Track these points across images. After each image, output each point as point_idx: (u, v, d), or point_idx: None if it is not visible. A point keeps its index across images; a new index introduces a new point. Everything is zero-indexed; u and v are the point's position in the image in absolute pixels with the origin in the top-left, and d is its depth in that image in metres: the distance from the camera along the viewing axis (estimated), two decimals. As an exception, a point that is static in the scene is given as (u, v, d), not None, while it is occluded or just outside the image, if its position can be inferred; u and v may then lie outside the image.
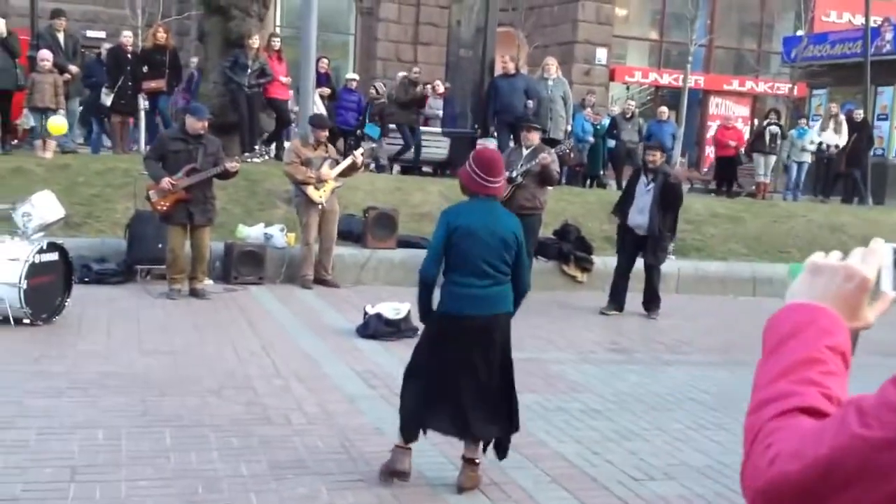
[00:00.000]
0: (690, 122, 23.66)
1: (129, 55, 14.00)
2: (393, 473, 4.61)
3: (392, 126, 15.00)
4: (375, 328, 7.89)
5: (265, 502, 4.31)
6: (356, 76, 17.19)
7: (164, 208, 8.94)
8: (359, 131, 15.18)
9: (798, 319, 1.24)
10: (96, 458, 4.69)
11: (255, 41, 13.26)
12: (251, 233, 10.48)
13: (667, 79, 25.98)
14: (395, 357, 7.14)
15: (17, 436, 4.93)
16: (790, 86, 22.31)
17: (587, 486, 4.79)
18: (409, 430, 4.66)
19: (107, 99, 13.94)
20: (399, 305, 7.96)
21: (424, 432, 4.74)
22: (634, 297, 9.95)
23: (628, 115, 17.13)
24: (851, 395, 1.13)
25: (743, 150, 17.82)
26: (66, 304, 7.78)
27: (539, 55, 20.31)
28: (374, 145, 13.35)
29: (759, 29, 27.86)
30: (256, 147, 11.30)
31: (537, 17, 24.37)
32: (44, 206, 7.93)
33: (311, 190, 9.94)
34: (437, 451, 5.04)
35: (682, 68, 20.87)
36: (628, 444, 5.53)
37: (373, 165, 14.08)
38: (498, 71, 14.87)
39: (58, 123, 12.08)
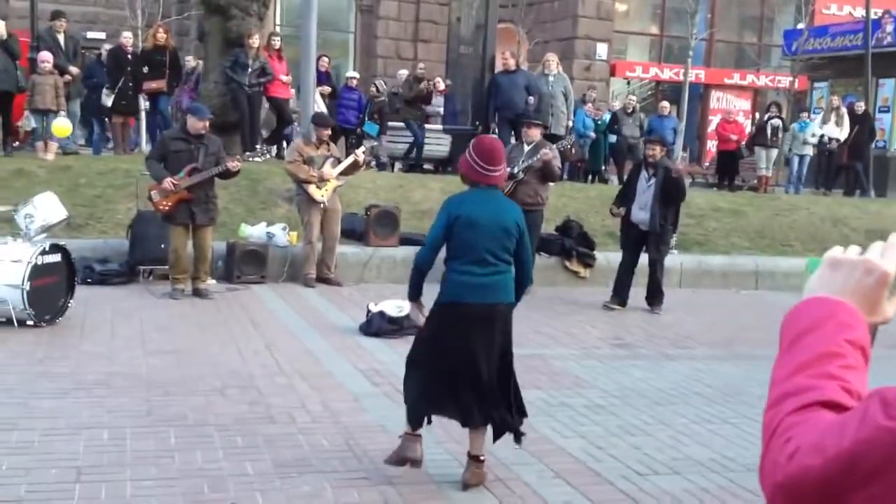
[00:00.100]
0: (691, 117, 23.64)
1: (129, 56, 14.00)
2: (404, 461, 4.61)
3: (391, 124, 15.01)
4: (378, 326, 7.89)
5: (270, 501, 4.31)
6: (356, 74, 17.19)
7: (167, 208, 8.94)
8: (358, 129, 15.19)
9: (817, 314, 1.23)
10: (101, 458, 4.70)
11: (256, 40, 13.26)
12: (253, 232, 10.48)
13: (667, 73, 25.97)
14: (399, 354, 7.12)
15: (22, 437, 4.94)
16: (791, 79, 22.28)
17: (592, 481, 4.80)
18: (415, 417, 4.67)
19: (107, 100, 13.95)
20: (402, 303, 7.95)
21: (429, 419, 4.73)
22: (637, 292, 9.95)
23: (629, 111, 17.12)
24: (872, 388, 1.12)
25: (744, 143, 17.80)
26: (70, 305, 7.79)
27: (539, 51, 20.29)
28: (374, 143, 13.36)
29: (759, 22, 27.84)
30: (258, 146, 11.31)
31: (537, 13, 24.36)
32: (46, 208, 7.95)
33: (312, 189, 9.94)
34: (441, 449, 5.05)
35: (683, 63, 20.85)
36: (632, 439, 5.53)
37: (373, 163, 14.09)
38: (498, 67, 14.86)
39: (62, 126, 12.09)
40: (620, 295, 9.92)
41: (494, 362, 4.64)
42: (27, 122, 13.58)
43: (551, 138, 11.71)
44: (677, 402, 6.45)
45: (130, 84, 13.76)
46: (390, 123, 15.08)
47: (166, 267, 9.32)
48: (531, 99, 13.31)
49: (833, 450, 1.05)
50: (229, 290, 9.51)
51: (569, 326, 8.90)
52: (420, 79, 15.24)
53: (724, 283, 11.89)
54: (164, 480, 4.46)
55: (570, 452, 5.22)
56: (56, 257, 7.69)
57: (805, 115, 18.98)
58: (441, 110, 16.05)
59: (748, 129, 19.91)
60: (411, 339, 7.34)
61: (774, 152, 17.71)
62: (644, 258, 9.93)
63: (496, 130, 14.15)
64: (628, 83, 26.52)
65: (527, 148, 9.96)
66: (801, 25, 23.09)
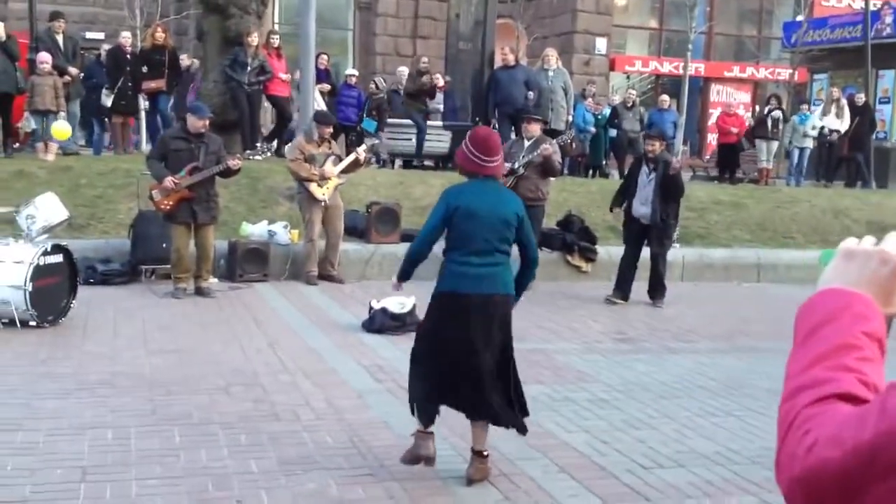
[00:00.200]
0: (692, 110, 23.61)
1: (128, 56, 14.00)
2: (418, 459, 4.61)
3: (390, 121, 14.99)
4: (381, 323, 7.90)
5: (275, 498, 4.31)
6: (356, 72, 17.17)
7: (168, 207, 8.94)
8: (358, 127, 15.18)
9: (832, 305, 1.21)
10: (106, 457, 4.70)
11: (254, 39, 13.25)
12: (255, 230, 10.48)
13: (667, 67, 25.94)
14: (402, 351, 7.13)
15: (27, 437, 4.94)
16: (791, 71, 22.25)
17: (596, 476, 4.80)
18: (424, 415, 4.66)
19: (107, 100, 13.95)
20: (404, 299, 7.96)
21: (438, 412, 4.71)
22: (640, 286, 9.95)
23: (629, 105, 17.12)
24: (890, 380, 1.10)
25: (744, 136, 17.79)
26: (72, 305, 7.80)
27: (539, 46, 20.29)
28: (376, 141, 13.36)
29: (758, 15, 27.80)
30: (258, 144, 11.30)
31: (536, 8, 24.33)
32: (47, 209, 7.95)
33: (314, 187, 9.94)
34: (446, 444, 5.05)
35: (683, 56, 20.79)
36: (636, 433, 5.53)
37: (373, 161, 14.08)
38: (498, 63, 14.85)
39: (61, 128, 12.09)
40: (623, 289, 9.92)
41: (494, 355, 4.63)
42: (27, 123, 13.57)
43: (551, 133, 11.70)
44: (681, 395, 6.45)
45: (130, 84, 13.76)
46: (389, 120, 15.07)
47: (168, 266, 9.32)
48: (531, 94, 13.29)
49: (852, 442, 1.04)
50: (231, 289, 9.51)
51: (571, 321, 8.90)
52: (423, 72, 15.24)
53: (725, 276, 11.89)
54: (169, 479, 4.46)
55: (574, 447, 5.22)
56: (58, 258, 7.69)
57: (805, 107, 18.95)
58: (441, 107, 16.03)
59: (748, 121, 19.89)
60: (414, 335, 7.40)
61: (775, 144, 17.70)
62: (646, 252, 9.92)
63: (496, 126, 14.14)
64: (628, 77, 26.50)
65: (527, 143, 9.96)
66: (800, 17, 23.07)
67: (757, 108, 24.42)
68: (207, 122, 9.18)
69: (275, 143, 13.69)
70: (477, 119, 15.06)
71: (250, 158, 10.13)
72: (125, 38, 14.38)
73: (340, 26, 25.50)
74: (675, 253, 11.13)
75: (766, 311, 9.91)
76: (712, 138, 23.41)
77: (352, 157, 10.26)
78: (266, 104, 14.46)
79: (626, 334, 8.55)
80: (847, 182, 17.84)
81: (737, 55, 27.67)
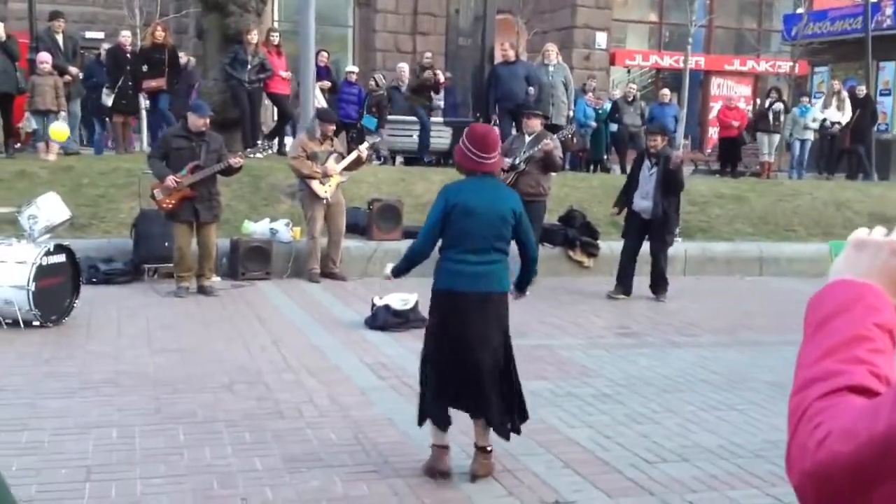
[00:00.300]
0: (692, 104, 23.60)
1: (128, 55, 13.99)
2: (436, 473, 4.57)
3: (391, 117, 14.98)
4: (384, 319, 7.90)
5: (280, 496, 4.32)
6: (356, 68, 17.16)
7: (170, 206, 8.95)
8: (358, 124, 15.18)
9: (843, 297, 1.20)
10: (110, 457, 4.72)
11: (254, 36, 13.24)
12: (257, 228, 10.49)
13: (667, 61, 25.91)
14: (405, 348, 7.16)
15: (32, 437, 4.95)
16: (791, 64, 22.22)
17: (600, 470, 4.80)
18: (438, 417, 4.63)
19: (108, 99, 13.95)
20: (407, 296, 7.97)
21: (449, 418, 4.67)
22: (642, 281, 9.95)
23: (630, 99, 17.09)
24: None
25: (745, 130, 17.76)
26: (75, 305, 7.81)
27: (539, 41, 20.27)
28: (378, 139, 13.35)
29: (758, 8, 27.77)
30: (259, 142, 11.31)
31: (536, 3, 24.30)
32: (49, 209, 7.95)
33: (315, 184, 9.95)
34: (451, 441, 5.04)
35: (683, 50, 20.80)
36: (640, 427, 5.54)
37: (374, 158, 14.08)
38: (498, 58, 14.84)
39: (59, 129, 12.09)
40: (625, 284, 9.91)
41: (494, 356, 4.62)
42: (28, 123, 13.57)
43: (552, 128, 11.70)
44: (684, 389, 6.46)
45: (130, 83, 13.75)
46: (390, 117, 15.06)
47: (171, 265, 9.34)
48: (531, 89, 13.29)
49: (865, 435, 1.02)
50: (234, 287, 9.52)
51: (574, 316, 8.90)
52: (426, 67, 15.23)
53: (728, 270, 11.89)
54: (174, 477, 4.47)
55: (577, 442, 5.23)
56: (60, 258, 7.70)
57: (805, 99, 18.93)
58: (441, 103, 16.03)
59: (749, 115, 19.87)
60: (417, 332, 7.40)
61: (777, 138, 17.68)
62: (646, 247, 9.91)
63: (497, 122, 14.14)
64: (628, 71, 26.48)
65: (528, 139, 9.95)
66: (800, 10, 23.04)
67: (758, 101, 24.39)
68: (208, 121, 9.18)
69: (275, 141, 13.72)
70: (478, 115, 15.06)
71: (251, 156, 10.13)
72: (125, 37, 14.38)
73: (340, 23, 25.50)
74: (677, 247, 11.12)
75: (769, 305, 9.91)
76: (713, 132, 23.40)
77: (354, 154, 10.26)
78: (266, 102, 14.46)
79: (628, 329, 8.55)
80: (848, 174, 17.82)
81: (737, 48, 27.65)
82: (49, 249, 7.57)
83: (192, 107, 9.56)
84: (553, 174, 10.43)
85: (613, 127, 16.85)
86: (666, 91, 18.13)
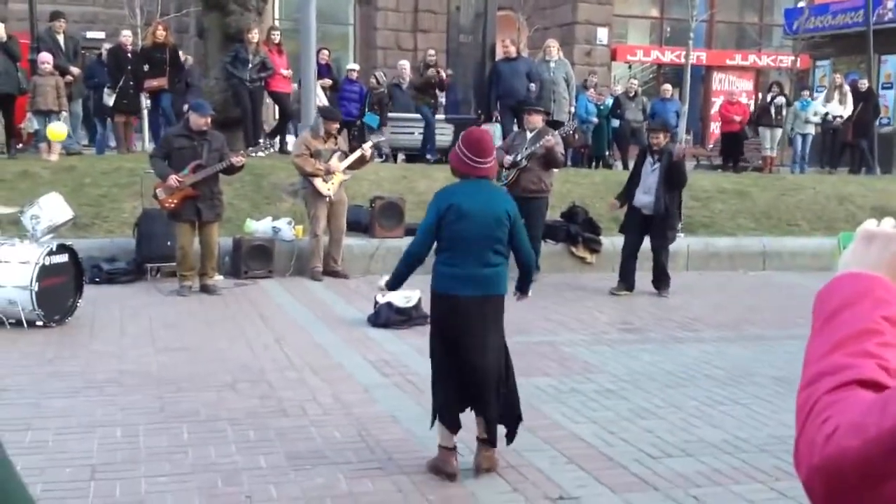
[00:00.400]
0: (694, 99, 23.57)
1: (129, 54, 13.99)
2: (440, 474, 4.56)
3: (392, 115, 14.98)
4: (387, 317, 7.90)
5: (285, 493, 4.33)
6: (357, 66, 17.15)
7: (172, 205, 8.95)
8: (358, 122, 15.17)
9: (852, 289, 1.18)
10: (115, 455, 4.72)
11: (255, 35, 13.24)
12: (259, 227, 10.49)
13: (669, 56, 25.88)
14: (408, 345, 7.17)
15: (36, 437, 4.96)
16: (793, 58, 22.19)
17: (604, 466, 4.80)
18: (448, 418, 4.60)
19: (109, 99, 13.95)
20: (409, 293, 7.96)
21: (459, 422, 4.64)
22: (644, 277, 9.94)
23: (631, 95, 17.08)
24: None
25: (747, 124, 17.74)
26: (78, 304, 7.81)
27: (540, 37, 20.24)
28: (382, 139, 13.36)
29: (759, 2, 27.73)
30: (260, 141, 11.31)
31: (536, 0, 24.28)
32: (52, 209, 7.96)
33: (318, 182, 9.95)
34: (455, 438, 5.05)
35: (684, 45, 20.76)
36: (644, 423, 5.54)
37: (376, 156, 14.08)
38: (499, 55, 14.82)
39: (57, 130, 12.09)
40: (627, 280, 9.90)
41: (493, 358, 4.62)
42: (30, 123, 13.57)
43: (554, 125, 11.69)
44: (687, 384, 6.45)
45: (131, 83, 13.76)
46: (391, 114, 15.06)
47: (173, 264, 9.34)
48: (533, 86, 13.28)
49: (874, 430, 1.01)
50: (237, 286, 9.53)
51: (577, 312, 8.90)
52: (430, 65, 15.22)
53: (731, 265, 11.88)
54: (178, 476, 4.48)
55: (582, 437, 5.22)
56: (63, 257, 7.71)
57: (806, 93, 18.89)
58: (443, 100, 16.02)
59: (751, 109, 19.84)
60: (419, 329, 7.42)
61: (779, 132, 17.65)
62: (647, 242, 9.89)
63: (499, 118, 14.13)
64: (630, 67, 26.45)
65: (529, 135, 9.95)
66: (801, 4, 23.01)
67: (759, 95, 24.36)
68: (210, 120, 9.18)
69: (277, 140, 13.72)
70: (479, 111, 15.07)
71: (253, 155, 10.13)
72: (126, 36, 14.37)
73: (341, 21, 25.49)
74: (680, 242, 11.12)
75: (772, 300, 9.90)
76: (715, 127, 23.36)
77: (357, 153, 10.26)
78: (268, 101, 14.45)
79: (631, 324, 8.55)
80: (851, 168, 17.79)
81: (738, 43, 27.60)
82: (52, 249, 7.57)
83: (193, 106, 9.56)
84: (555, 170, 10.43)
85: (615, 123, 16.84)
86: (667, 86, 18.08)
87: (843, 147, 18.09)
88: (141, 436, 5.01)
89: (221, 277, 9.66)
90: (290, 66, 14.17)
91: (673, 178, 9.57)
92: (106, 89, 14.05)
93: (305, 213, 10.40)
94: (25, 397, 5.66)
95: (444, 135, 15.39)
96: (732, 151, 17.71)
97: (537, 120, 10.07)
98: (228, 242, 10.03)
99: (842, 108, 17.54)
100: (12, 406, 5.50)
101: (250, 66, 13.12)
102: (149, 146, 14.52)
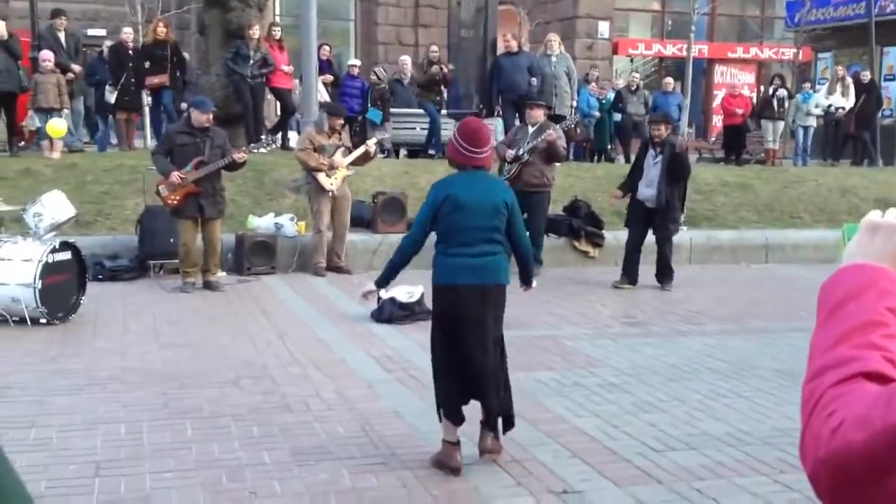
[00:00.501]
0: (696, 92, 23.54)
1: (130, 52, 13.98)
2: (444, 469, 4.56)
3: (394, 111, 14.97)
4: (390, 312, 7.90)
5: (288, 489, 4.33)
6: (358, 62, 17.14)
7: (175, 202, 8.96)
8: (359, 117, 15.16)
9: (856, 281, 1.17)
10: (119, 452, 4.73)
11: (256, 31, 13.23)
12: (261, 223, 10.50)
13: (670, 49, 25.84)
14: (411, 340, 7.17)
15: (40, 434, 4.97)
16: (795, 50, 22.15)
17: (608, 459, 4.80)
18: (450, 412, 4.60)
19: (110, 96, 13.96)
20: (412, 289, 7.97)
21: (462, 415, 4.63)
22: (647, 270, 9.94)
23: (633, 88, 17.05)
24: None
25: (749, 117, 17.70)
26: (82, 301, 7.82)
27: (541, 32, 20.23)
28: (386, 135, 13.34)
29: (761, -5, 27.67)
30: (262, 137, 11.30)
31: (537, -6, 24.26)
32: (54, 206, 7.97)
33: (322, 177, 9.96)
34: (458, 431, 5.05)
35: (686, 38, 20.73)
36: (647, 416, 5.54)
37: (379, 152, 14.07)
38: (500, 50, 14.80)
39: (56, 126, 12.10)
40: (630, 274, 9.90)
41: (493, 347, 4.62)
42: (31, 121, 13.59)
43: (555, 119, 11.67)
44: (691, 377, 6.45)
45: (133, 80, 13.76)
46: (393, 110, 15.05)
47: (176, 261, 9.35)
48: (534, 80, 13.26)
49: (880, 423, 1.00)
50: (240, 282, 9.54)
51: (580, 306, 8.89)
52: (433, 62, 15.21)
53: (733, 258, 11.87)
54: (183, 472, 4.49)
55: (585, 431, 5.23)
56: (66, 255, 7.72)
57: (807, 85, 18.86)
58: (444, 95, 16.00)
59: (753, 102, 19.81)
60: (423, 324, 7.41)
61: (781, 125, 17.64)
62: (651, 236, 9.90)
63: (500, 113, 14.12)
64: (631, 61, 26.41)
65: (531, 129, 9.94)
66: (803, -4, 22.95)
67: (761, 88, 24.32)
68: (211, 116, 9.18)
69: (279, 136, 13.73)
70: (481, 106, 15.05)
71: (255, 151, 10.12)
72: (127, 34, 14.36)
73: (341, 17, 25.47)
74: (683, 236, 11.11)
75: (775, 292, 9.89)
76: (717, 120, 23.33)
77: (361, 149, 10.26)
78: (269, 97, 14.45)
79: (634, 318, 8.54)
80: (853, 160, 17.76)
81: (740, 36, 27.55)
82: (54, 247, 7.58)
83: (195, 103, 9.56)
84: (557, 164, 10.43)
85: (617, 116, 16.81)
86: (669, 80, 18.06)
87: (845, 139, 18.06)
88: (145, 432, 5.02)
89: (224, 274, 9.67)
90: (291, 62, 14.16)
91: (676, 170, 9.56)
92: (107, 87, 14.04)
93: (308, 208, 10.41)
94: (29, 395, 5.67)
95: (447, 130, 15.36)
96: (735, 144, 17.69)
97: (539, 114, 10.07)
98: (231, 239, 10.03)
99: (844, 100, 17.51)
100: (16, 403, 5.51)
101: (251, 62, 13.12)
102: (150, 143, 14.52)
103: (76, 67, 13.77)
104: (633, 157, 11.68)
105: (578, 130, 15.47)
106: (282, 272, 10.07)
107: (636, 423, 5.40)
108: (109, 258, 9.66)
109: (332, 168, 9.97)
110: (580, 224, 11.33)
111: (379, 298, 8.08)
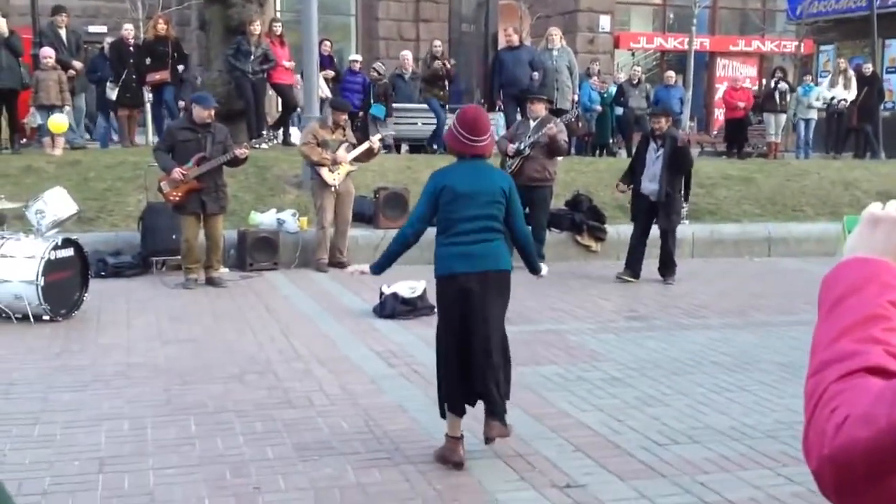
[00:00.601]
0: (698, 85, 23.49)
1: (131, 48, 13.98)
2: (448, 463, 4.56)
3: (397, 105, 14.96)
4: (392, 307, 7.91)
5: (292, 484, 4.34)
6: (359, 57, 17.10)
7: (177, 198, 8.96)
8: (360, 113, 15.13)
9: (858, 274, 1.16)
10: (123, 448, 4.74)
11: (257, 27, 13.23)
12: (264, 219, 10.50)
13: (672, 43, 25.78)
14: (414, 335, 7.17)
15: (44, 430, 4.98)
16: (797, 43, 22.11)
17: (611, 454, 4.81)
18: (451, 404, 4.60)
19: (112, 93, 13.95)
20: (415, 284, 7.98)
21: (463, 408, 4.65)
22: (650, 264, 9.93)
23: (635, 82, 17.02)
24: None
25: (751, 110, 17.67)
26: (85, 298, 7.83)
27: (542, 26, 20.18)
28: (391, 133, 13.34)
29: (762, -13, 27.60)
30: (264, 133, 11.30)
31: (538, -12, 24.20)
32: (56, 203, 7.98)
33: (325, 172, 9.95)
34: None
35: (687, 31, 20.71)
36: (650, 410, 5.54)
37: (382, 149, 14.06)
38: (501, 44, 14.79)
39: (58, 122, 12.11)
40: (633, 267, 9.89)
41: (495, 335, 4.60)
42: (33, 118, 13.59)
43: (557, 113, 11.67)
44: (694, 371, 6.45)
45: (134, 76, 13.75)
46: (395, 105, 15.03)
47: (179, 257, 9.35)
48: (535, 74, 13.25)
49: (885, 419, 0.99)
50: (242, 278, 9.54)
51: (583, 300, 8.89)
52: (437, 56, 15.20)
53: (736, 252, 11.86)
54: (186, 468, 4.49)
55: (588, 425, 5.23)
56: (69, 252, 7.72)
57: (808, 78, 18.82)
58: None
59: (755, 95, 19.76)
60: (425, 319, 7.43)
61: (783, 118, 17.60)
62: (655, 230, 9.89)
63: (502, 107, 14.11)
64: (633, 54, 26.36)
65: (532, 124, 9.94)
66: (804, -11, 22.90)
67: (763, 81, 24.27)
68: (213, 112, 9.18)
69: (280, 131, 13.72)
70: (482, 101, 15.04)
71: (257, 147, 10.13)
72: (128, 30, 14.35)
73: (342, 12, 25.42)
74: (686, 229, 11.11)
75: (778, 286, 9.89)
76: (719, 113, 23.29)
77: (365, 145, 10.26)
78: (271, 92, 14.44)
79: (637, 312, 8.54)
80: (856, 153, 17.73)
81: (742, 28, 27.49)
82: (57, 244, 7.59)
83: (196, 98, 9.56)
84: (559, 158, 10.42)
85: (619, 110, 16.80)
86: (671, 73, 18.03)
87: (847, 132, 18.02)
88: (149, 428, 5.03)
89: (227, 270, 9.68)
90: (293, 58, 14.15)
91: (678, 163, 9.56)
92: (108, 83, 14.04)
93: (311, 204, 10.41)
94: (33, 391, 5.68)
95: (448, 124, 15.37)
96: (737, 138, 17.66)
97: (540, 108, 10.06)
98: (233, 235, 10.04)
99: (846, 93, 17.47)
100: (20, 400, 5.52)
101: (252, 58, 13.12)
102: (152, 140, 14.51)
103: (77, 64, 13.76)
104: (634, 151, 11.68)
105: (580, 124, 15.45)
106: (284, 268, 10.07)
107: (640, 417, 5.41)
108: (112, 255, 9.66)
109: (334, 163, 9.97)
110: (582, 218, 11.33)
111: (382, 294, 8.10)
